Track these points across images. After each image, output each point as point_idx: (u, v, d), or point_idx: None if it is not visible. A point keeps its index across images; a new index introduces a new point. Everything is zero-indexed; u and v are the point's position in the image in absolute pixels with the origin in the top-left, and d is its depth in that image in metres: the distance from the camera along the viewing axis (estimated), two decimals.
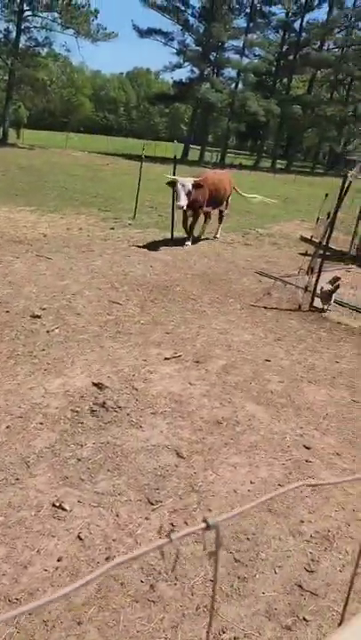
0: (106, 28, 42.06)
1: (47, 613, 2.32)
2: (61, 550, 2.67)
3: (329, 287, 7.25)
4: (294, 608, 2.52)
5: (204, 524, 0.62)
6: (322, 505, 3.27)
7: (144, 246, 9.82)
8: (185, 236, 10.56)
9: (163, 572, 2.62)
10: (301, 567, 2.76)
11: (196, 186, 9.80)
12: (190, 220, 10.51)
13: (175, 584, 2.57)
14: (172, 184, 9.81)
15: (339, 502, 3.31)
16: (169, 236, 10.75)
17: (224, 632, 2.35)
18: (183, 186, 9.56)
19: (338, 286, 7.22)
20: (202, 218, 11.09)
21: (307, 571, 2.75)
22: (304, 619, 2.46)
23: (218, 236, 11.58)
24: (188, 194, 9.64)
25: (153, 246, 9.96)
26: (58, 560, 2.61)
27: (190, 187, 9.63)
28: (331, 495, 3.37)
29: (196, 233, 10.91)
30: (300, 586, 2.64)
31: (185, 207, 9.79)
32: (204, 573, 2.64)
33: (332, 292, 7.23)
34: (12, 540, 2.70)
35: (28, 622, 2.26)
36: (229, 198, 12.07)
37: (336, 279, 7.23)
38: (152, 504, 3.09)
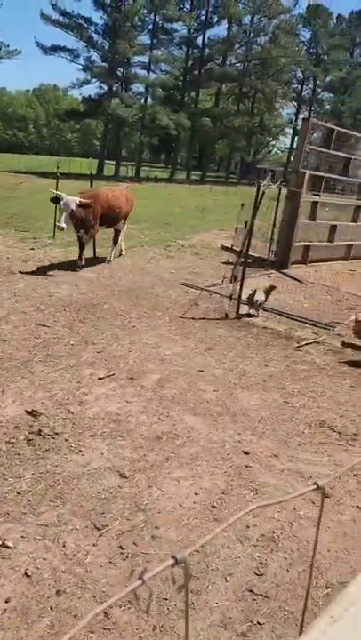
0: (9, 46, 41.41)
1: None
2: (8, 590, 2.57)
3: (262, 296, 7.52)
4: (248, 614, 2.57)
5: (172, 561, 0.64)
6: (264, 508, 3.36)
7: (67, 265, 9.68)
8: (105, 256, 10.36)
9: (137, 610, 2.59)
10: (251, 572, 2.83)
11: (83, 205, 8.94)
12: (83, 239, 9.62)
13: (129, 608, 2.54)
14: (56, 200, 9.03)
15: (280, 503, 3.42)
16: (91, 253, 10.66)
17: None
18: (66, 205, 8.75)
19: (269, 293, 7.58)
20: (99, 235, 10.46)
21: (256, 575, 2.81)
22: (258, 623, 2.52)
23: (111, 259, 10.36)
24: (72, 214, 8.83)
25: (76, 265, 9.83)
26: (6, 601, 2.50)
27: (74, 206, 8.80)
28: (272, 497, 3.47)
29: (109, 253, 10.41)
30: (251, 591, 2.70)
31: (65, 228, 9.02)
32: (158, 592, 2.64)
33: (265, 300, 7.55)
34: None
35: None
36: (127, 216, 11.04)
37: (271, 287, 7.53)
38: (99, 529, 3.05)
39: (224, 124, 54.26)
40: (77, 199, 8.89)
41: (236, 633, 2.44)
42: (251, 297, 7.52)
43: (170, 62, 51.68)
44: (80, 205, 8.89)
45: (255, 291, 7.56)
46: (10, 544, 2.86)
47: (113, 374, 5.16)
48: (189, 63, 53.49)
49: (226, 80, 53.96)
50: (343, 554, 3.00)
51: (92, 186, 11.19)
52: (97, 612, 0.62)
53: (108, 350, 5.81)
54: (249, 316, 7.53)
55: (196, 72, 53.54)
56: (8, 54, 41.25)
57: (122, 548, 2.91)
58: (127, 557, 2.85)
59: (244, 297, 7.69)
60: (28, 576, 2.67)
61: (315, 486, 0.93)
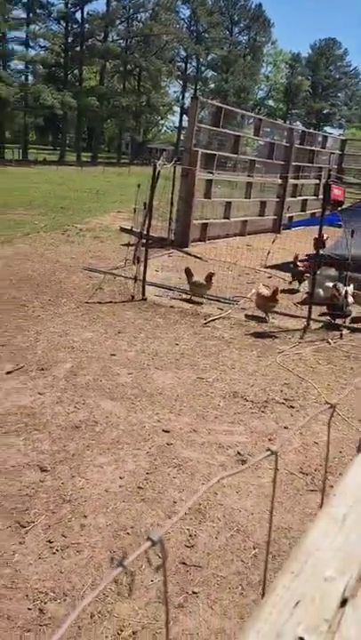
0: None
1: None
2: None
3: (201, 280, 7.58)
4: (183, 585, 2.64)
5: (149, 543, 0.63)
6: (189, 482, 3.44)
7: None
8: None
9: (49, 591, 2.54)
10: (182, 545, 2.89)
11: None
12: None
13: (65, 600, 2.51)
14: None
15: (203, 475, 3.52)
16: None
17: (122, 630, 2.37)
18: None
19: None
20: None
21: (187, 547, 2.89)
22: (193, 592, 2.59)
23: None
24: None
25: None
26: None
27: None
28: (195, 470, 3.57)
29: None
30: (183, 563, 2.77)
31: None
32: (92, 580, 2.62)
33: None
34: None
35: None
36: None
37: (210, 275, 7.57)
38: (24, 526, 2.95)
39: (111, 103, 53.42)
40: None
41: (174, 605, 2.49)
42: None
43: (49, 38, 49.68)
44: None
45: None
46: None
47: (21, 367, 4.97)
48: (70, 39, 51.76)
49: (109, 57, 52.95)
50: (266, 514, 3.17)
51: None
52: (75, 614, 0.60)
53: (12, 343, 5.57)
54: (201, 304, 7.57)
55: (78, 48, 51.96)
56: None
57: (50, 542, 2.85)
58: (57, 550, 2.79)
59: (149, 278, 7.71)
60: None
61: (268, 452, 0.96)
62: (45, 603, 2.48)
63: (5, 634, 2.32)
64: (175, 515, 3.12)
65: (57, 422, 4.05)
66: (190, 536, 2.96)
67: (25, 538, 2.88)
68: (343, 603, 0.66)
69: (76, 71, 53.49)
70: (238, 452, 3.81)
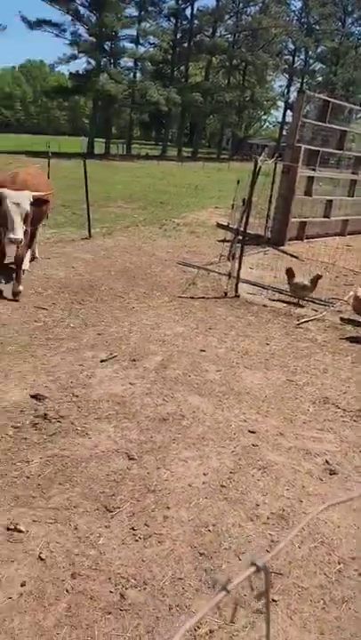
0: None
1: None
2: (23, 574, 2.58)
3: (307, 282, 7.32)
4: (262, 591, 2.59)
5: (253, 568, 0.62)
6: (274, 486, 3.38)
7: (62, 247, 9.59)
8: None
9: (131, 578, 2.61)
10: (263, 550, 2.85)
11: (40, 202, 6.51)
12: (19, 250, 6.66)
13: (145, 588, 2.56)
14: None
15: (288, 480, 3.44)
16: (86, 233, 10.56)
17: (199, 627, 2.38)
18: (18, 205, 6.10)
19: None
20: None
21: (268, 552, 2.83)
22: (273, 600, 2.55)
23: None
24: (27, 218, 6.27)
25: (71, 246, 9.75)
26: (21, 585, 2.52)
27: (28, 205, 6.23)
28: (280, 475, 3.50)
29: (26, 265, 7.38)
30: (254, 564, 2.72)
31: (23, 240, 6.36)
32: (172, 573, 2.66)
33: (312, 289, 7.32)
34: None
35: None
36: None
37: (317, 277, 7.31)
38: (110, 511, 3.06)
39: (215, 98, 53.48)
40: (30, 193, 6.31)
41: (252, 610, 2.46)
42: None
43: (158, 35, 50.54)
44: (37, 202, 6.44)
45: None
46: (22, 528, 2.86)
47: (115, 356, 5.14)
48: (178, 35, 52.43)
49: (216, 52, 52.93)
50: (354, 529, 3.03)
51: (85, 167, 10.84)
52: (187, 627, 0.60)
53: (108, 332, 5.77)
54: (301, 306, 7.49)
55: (186, 44, 52.53)
56: None
57: (134, 530, 2.92)
58: (140, 539, 2.86)
59: (243, 275, 7.65)
60: (42, 559, 2.68)
61: None
62: (126, 588, 2.55)
63: (87, 613, 2.41)
64: (258, 519, 3.08)
65: (145, 413, 4.14)
66: (272, 542, 2.91)
67: (110, 522, 2.98)
68: None
69: (182, 67, 54.14)
70: (327, 461, 3.68)
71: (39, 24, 46.51)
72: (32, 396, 4.26)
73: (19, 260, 6.71)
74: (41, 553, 2.71)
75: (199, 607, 2.47)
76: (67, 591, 2.51)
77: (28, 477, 3.30)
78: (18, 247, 6.49)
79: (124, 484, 3.29)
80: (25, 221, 6.21)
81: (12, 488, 3.19)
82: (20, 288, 6.61)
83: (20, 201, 6.10)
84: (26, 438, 3.71)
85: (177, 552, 2.79)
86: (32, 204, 6.25)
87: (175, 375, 4.84)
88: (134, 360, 5.09)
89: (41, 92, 74.98)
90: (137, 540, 2.86)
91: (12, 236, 6.10)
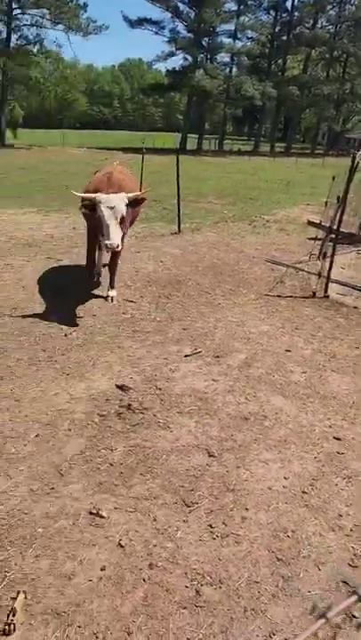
0: (96, 21, 41.83)
1: (96, 625, 2.31)
2: (103, 559, 2.66)
3: None
4: (345, 607, 2.49)
5: (355, 597, 0.58)
6: (358, 497, 3.24)
7: (152, 241, 9.77)
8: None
9: (206, 575, 2.61)
10: (345, 563, 2.74)
11: (136, 202, 5.88)
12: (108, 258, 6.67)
13: (220, 587, 2.55)
14: (90, 207, 5.64)
15: None
16: (176, 228, 10.68)
17: (274, 634, 2.33)
18: (113, 208, 5.50)
19: None
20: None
21: (351, 566, 2.72)
22: (353, 616, 2.44)
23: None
24: (123, 220, 5.64)
25: (161, 240, 9.90)
26: (101, 569, 2.60)
27: (124, 208, 5.59)
28: None
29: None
30: (345, 582, 2.62)
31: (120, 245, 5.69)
32: (248, 575, 2.63)
33: None
34: (52, 551, 2.69)
35: (78, 636, 2.26)
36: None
37: None
38: (188, 506, 3.08)
39: (312, 91, 51.86)
40: (124, 195, 5.68)
41: (331, 624, 2.37)
42: None
43: (257, 29, 49.83)
44: (133, 203, 5.81)
45: None
46: (104, 514, 2.96)
47: (199, 352, 5.16)
48: (277, 28, 51.37)
49: (316, 44, 51.22)
50: None
51: (178, 166, 10.87)
52: None
53: (193, 327, 5.81)
54: None
55: (285, 37, 51.37)
56: (95, 30, 41.58)
57: (211, 527, 2.92)
58: (217, 537, 2.85)
59: (334, 275, 7.38)
60: (121, 546, 2.75)
61: None
62: (202, 585, 2.56)
63: (163, 604, 2.44)
64: (340, 530, 2.97)
65: (227, 410, 4.12)
66: (355, 555, 2.79)
67: (188, 517, 2.99)
68: None
69: (279, 61, 53.07)
70: None
71: (140, 22, 47.51)
72: (117, 387, 4.38)
73: (113, 266, 6.54)
74: (120, 540, 2.79)
75: (275, 614, 2.42)
76: (144, 580, 2.56)
77: (112, 465, 3.40)
78: (114, 253, 6.01)
79: (203, 481, 3.30)
80: (121, 224, 5.61)
81: (97, 474, 3.30)
82: (114, 293, 6.50)
83: (115, 204, 5.51)
84: (110, 427, 3.82)
85: (254, 554, 2.76)
86: (128, 205, 5.65)
87: (259, 374, 4.77)
88: (218, 357, 5.08)
89: (138, 89, 76.88)
90: (214, 538, 2.85)
91: (108, 242, 5.48)
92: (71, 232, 10.16)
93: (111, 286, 6.54)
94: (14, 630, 2.25)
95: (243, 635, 2.32)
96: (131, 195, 5.73)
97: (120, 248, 5.67)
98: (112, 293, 6.49)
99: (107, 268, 6.81)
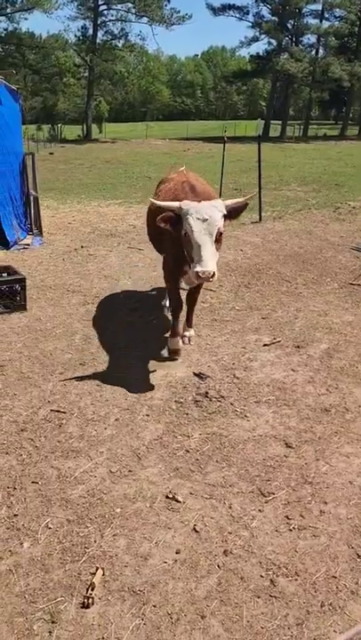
0: (179, 11, 41.87)
1: (170, 606, 2.35)
2: (178, 543, 2.70)
3: None
4: None
5: None
6: None
7: (232, 230, 9.69)
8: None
9: (282, 566, 2.57)
10: None
11: (237, 212, 4.15)
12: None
13: (296, 579, 2.50)
14: (171, 220, 4.03)
15: None
16: (256, 217, 10.52)
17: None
18: (206, 220, 3.89)
19: None
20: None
21: None
22: None
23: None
24: (219, 238, 3.98)
25: (241, 229, 9.80)
26: (176, 552, 2.63)
27: (221, 219, 3.95)
28: None
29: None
30: None
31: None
32: (326, 569, 2.55)
33: None
34: (130, 531, 2.77)
35: (153, 614, 2.31)
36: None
37: None
38: (265, 496, 3.04)
39: None
40: (221, 202, 4.08)
41: None
42: None
43: (345, 6, 47.62)
44: (233, 211, 4.12)
45: None
46: (180, 499, 2.99)
47: (278, 341, 5.06)
48: None
49: None
50: None
51: (259, 153, 10.66)
52: None
53: (273, 317, 5.71)
54: None
55: None
56: (179, 20, 41.68)
57: (288, 519, 2.87)
58: (294, 529, 2.80)
59: None
60: (196, 531, 2.77)
61: None
62: (277, 576, 2.52)
63: (237, 591, 2.44)
64: None
65: (306, 402, 4.02)
66: None
67: (264, 507, 2.96)
68: None
69: None
70: None
71: (223, 9, 47.06)
72: (195, 374, 4.40)
73: (194, 301, 5.01)
74: (196, 525, 2.81)
75: (354, 610, 2.34)
76: (218, 566, 2.57)
77: (188, 451, 3.43)
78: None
79: (280, 471, 3.24)
80: (217, 243, 3.91)
81: (173, 459, 3.35)
82: (192, 333, 5.02)
83: (209, 214, 3.83)
84: (187, 414, 3.86)
85: (333, 549, 2.67)
86: (226, 215, 3.99)
87: (341, 365, 4.60)
88: (298, 347, 4.96)
89: (221, 77, 76.20)
90: (291, 530, 2.80)
91: (199, 269, 3.74)
92: None
93: (189, 325, 4.99)
94: (93, 604, 2.34)
95: (319, 629, 2.26)
96: (229, 202, 4.08)
97: (215, 278, 3.84)
98: (190, 333, 4.98)
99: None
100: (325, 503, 2.98)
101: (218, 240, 3.90)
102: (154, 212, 4.48)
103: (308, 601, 2.39)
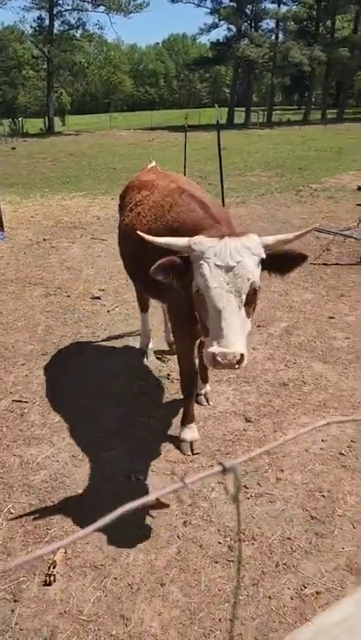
0: None
1: (131, 577, 2.42)
2: (139, 518, 2.77)
3: None
4: None
5: (220, 467, 0.61)
6: None
7: None
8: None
9: (240, 533, 2.66)
10: None
11: (291, 261, 2.53)
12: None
13: (253, 543, 2.60)
14: (176, 267, 2.44)
15: None
16: (219, 203, 10.58)
17: (305, 587, 2.36)
18: (232, 270, 2.26)
19: None
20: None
21: None
22: None
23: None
24: (252, 300, 2.34)
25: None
26: (138, 528, 2.70)
27: (256, 269, 2.33)
28: None
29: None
30: None
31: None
32: (281, 532, 2.66)
33: None
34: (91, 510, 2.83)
35: (113, 586, 2.38)
36: None
37: None
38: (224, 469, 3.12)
39: None
40: (258, 240, 2.38)
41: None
42: None
43: None
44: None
45: None
46: (140, 477, 3.06)
47: None
48: None
49: None
50: None
51: (219, 140, 10.62)
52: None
53: None
54: None
55: None
56: (136, 8, 41.24)
57: (246, 488, 2.96)
58: (251, 497, 2.90)
59: None
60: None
61: None
62: (235, 541, 2.61)
63: (196, 559, 2.52)
64: None
65: (266, 378, 4.12)
66: None
67: (223, 480, 3.05)
68: None
69: (328, 22, 50.72)
70: None
71: None
72: (158, 358, 4.47)
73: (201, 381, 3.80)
74: (156, 501, 2.88)
75: (307, 568, 2.45)
76: (178, 537, 2.65)
77: (149, 432, 3.50)
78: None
79: (240, 445, 3.34)
80: (248, 307, 2.33)
81: (134, 441, 3.41)
82: (208, 388, 3.92)
83: (238, 260, 2.29)
84: (149, 396, 3.92)
85: (288, 513, 2.78)
86: (266, 263, 2.42)
87: (300, 342, 4.72)
88: (259, 326, 5.06)
89: (183, 65, 75.77)
90: (248, 498, 2.90)
91: (217, 349, 2.19)
92: (116, 213, 10.25)
93: (204, 379, 3.87)
94: (54, 581, 2.40)
95: (274, 587, 2.36)
96: (270, 238, 2.46)
97: (245, 363, 2.24)
98: (206, 390, 3.90)
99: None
100: (282, 471, 3.09)
101: (250, 301, 2.32)
102: (134, 242, 3.02)
103: (264, 562, 2.49)
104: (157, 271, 2.42)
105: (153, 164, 4.40)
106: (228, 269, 2.26)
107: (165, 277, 2.45)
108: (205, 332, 2.37)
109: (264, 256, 2.37)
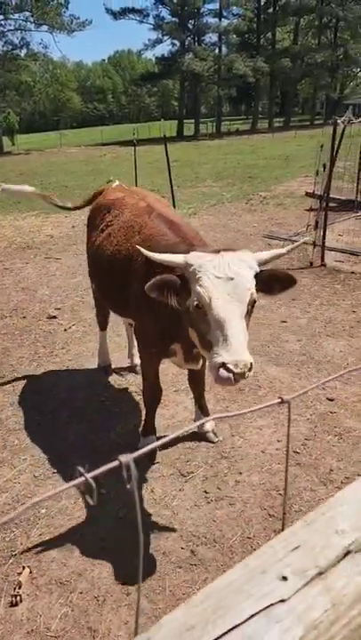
0: (79, 17, 41.78)
1: (97, 590, 2.46)
2: (103, 532, 2.81)
3: None
4: None
5: (117, 462, 0.70)
6: (350, 452, 3.34)
7: None
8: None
9: (201, 536, 2.74)
10: None
11: (284, 281, 2.64)
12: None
13: (215, 546, 2.68)
14: (172, 285, 2.43)
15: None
16: None
17: None
18: (232, 281, 2.27)
19: None
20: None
21: None
22: None
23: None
24: (250, 311, 2.38)
25: None
26: (101, 540, 2.75)
27: (252, 283, 2.32)
28: (359, 441, 3.43)
29: None
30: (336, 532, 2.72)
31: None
32: (241, 532, 2.75)
33: None
34: (55, 528, 2.85)
35: (80, 600, 2.42)
36: None
37: None
38: (184, 476, 3.21)
39: (305, 61, 51.00)
40: (252, 256, 2.43)
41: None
42: None
43: (241, 4, 49.17)
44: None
45: None
46: (103, 491, 3.11)
47: None
48: (262, 2, 50.56)
49: (303, 13, 50.30)
50: None
51: (167, 152, 10.80)
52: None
53: None
54: None
55: (271, 10, 50.53)
56: (79, 26, 41.53)
57: (206, 493, 3.05)
58: (211, 501, 2.99)
59: (331, 243, 7.40)
60: (120, 518, 2.90)
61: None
62: (197, 545, 2.69)
63: (160, 566, 2.59)
64: (331, 483, 3.07)
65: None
66: None
67: (184, 486, 3.13)
68: (345, 555, 0.65)
69: (268, 34, 52.28)
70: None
71: (123, 13, 47.30)
72: (116, 372, 4.52)
73: (201, 383, 3.67)
74: (119, 512, 2.94)
75: None
76: (142, 546, 2.70)
77: (111, 446, 3.55)
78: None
79: (199, 452, 3.43)
80: (248, 318, 2.38)
81: (96, 455, 3.45)
82: (213, 425, 3.67)
83: (236, 272, 2.30)
84: (109, 411, 3.97)
85: (247, 513, 2.88)
86: (262, 277, 2.46)
87: (253, 347, 4.84)
88: None
89: (130, 80, 76.42)
90: (209, 502, 2.98)
91: (228, 358, 2.10)
92: (70, 231, 10.31)
93: (204, 412, 3.69)
94: (21, 601, 2.42)
95: None
96: (264, 254, 2.53)
97: (252, 373, 2.19)
98: (209, 427, 3.63)
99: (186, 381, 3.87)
100: (240, 473, 3.20)
101: (248, 312, 2.36)
102: (106, 263, 3.25)
103: (226, 563, 2.58)
104: (152, 289, 2.40)
105: (117, 182, 4.37)
106: (229, 280, 2.26)
107: (160, 295, 2.42)
108: (205, 346, 2.30)
109: (258, 270, 2.39)
